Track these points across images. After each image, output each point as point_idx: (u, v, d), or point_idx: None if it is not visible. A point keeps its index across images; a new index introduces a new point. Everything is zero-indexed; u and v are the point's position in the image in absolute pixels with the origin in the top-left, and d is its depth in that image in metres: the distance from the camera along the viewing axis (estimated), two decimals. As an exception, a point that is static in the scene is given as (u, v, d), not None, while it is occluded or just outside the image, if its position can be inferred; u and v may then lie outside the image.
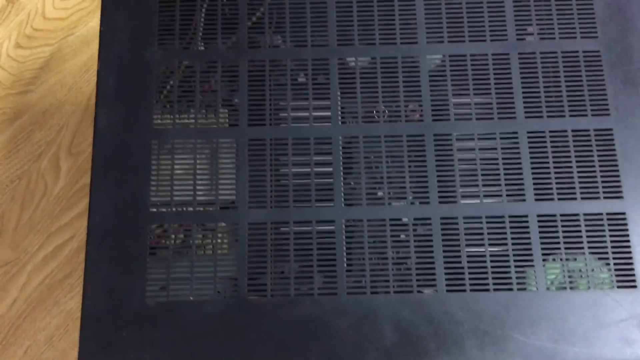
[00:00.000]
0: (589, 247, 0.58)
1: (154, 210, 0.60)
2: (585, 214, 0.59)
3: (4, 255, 0.94)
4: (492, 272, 0.58)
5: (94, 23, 1.05)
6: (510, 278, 0.58)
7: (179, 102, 0.63)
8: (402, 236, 0.60)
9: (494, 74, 0.63)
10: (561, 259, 0.58)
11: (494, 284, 0.58)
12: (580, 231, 0.59)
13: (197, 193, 0.61)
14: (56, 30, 1.05)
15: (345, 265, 0.59)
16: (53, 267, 0.94)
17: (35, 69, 1.03)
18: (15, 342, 0.90)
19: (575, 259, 0.59)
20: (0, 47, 1.03)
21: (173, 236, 0.60)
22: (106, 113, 0.62)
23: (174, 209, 0.60)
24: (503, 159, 0.61)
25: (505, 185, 0.61)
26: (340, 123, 0.63)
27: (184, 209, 0.60)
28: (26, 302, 0.92)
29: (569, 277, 0.58)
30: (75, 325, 0.92)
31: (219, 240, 0.60)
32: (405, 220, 0.60)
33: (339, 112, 0.63)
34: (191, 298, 0.58)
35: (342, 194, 0.61)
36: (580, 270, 0.58)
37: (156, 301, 0.58)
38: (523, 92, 0.63)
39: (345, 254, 0.59)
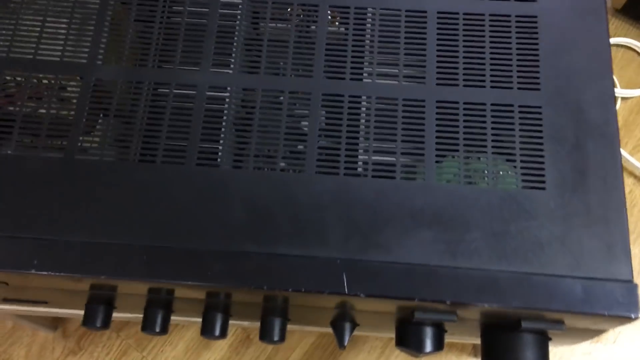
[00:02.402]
0: (493, 142, 0.49)
1: (-11, 54, 0.51)
2: (493, 104, 0.50)
3: None
4: (374, 157, 0.48)
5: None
6: (393, 165, 0.48)
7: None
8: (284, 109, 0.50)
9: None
10: (466, 157, 0.48)
11: (374, 170, 0.48)
12: (485, 122, 0.49)
13: (42, 43, 0.52)
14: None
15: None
16: None
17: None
18: None
19: (479, 158, 0.49)
20: None
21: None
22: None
23: (12, 56, 0.51)
24: (406, 36, 0.52)
25: (404, 64, 0.51)
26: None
27: (24, 57, 0.51)
28: None
29: (467, 174, 0.48)
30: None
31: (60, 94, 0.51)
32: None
33: None
34: (9, 152, 0.48)
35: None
36: (482, 170, 0.48)
37: (-33, 152, 0.48)
38: (439, -27, 0.54)
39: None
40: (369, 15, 0.53)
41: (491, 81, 0.50)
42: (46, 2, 0.53)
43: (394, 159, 0.48)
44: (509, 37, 0.52)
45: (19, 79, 0.51)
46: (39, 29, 0.52)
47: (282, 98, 0.50)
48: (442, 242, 0.45)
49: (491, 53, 0.51)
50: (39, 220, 0.46)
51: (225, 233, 0.46)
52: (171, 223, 0.46)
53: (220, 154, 0.48)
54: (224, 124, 0.50)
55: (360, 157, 0.48)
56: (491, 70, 0.51)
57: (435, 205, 0.46)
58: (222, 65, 0.52)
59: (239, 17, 0.53)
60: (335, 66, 0.51)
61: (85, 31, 0.52)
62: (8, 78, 0.51)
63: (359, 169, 0.48)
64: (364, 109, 0.50)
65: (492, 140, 0.49)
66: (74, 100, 0.50)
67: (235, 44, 0.52)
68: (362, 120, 0.50)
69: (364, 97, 0.50)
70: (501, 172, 0.48)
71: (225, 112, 0.50)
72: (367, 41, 0.52)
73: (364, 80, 0.51)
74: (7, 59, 0.51)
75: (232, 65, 0.51)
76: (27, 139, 0.49)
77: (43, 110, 0.50)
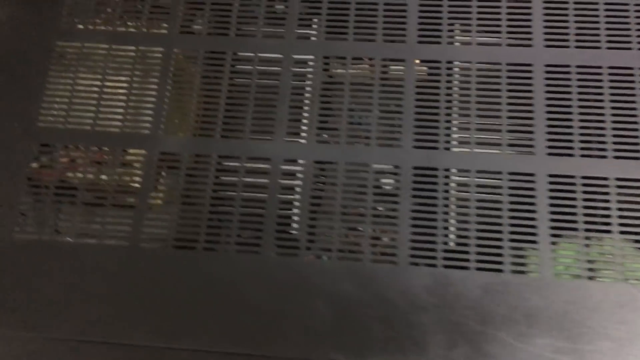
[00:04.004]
0: (620, 226, 0.41)
1: (43, 126, 0.47)
2: (618, 179, 0.42)
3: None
4: (477, 246, 0.41)
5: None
6: (501, 255, 0.41)
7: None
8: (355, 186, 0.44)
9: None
10: (586, 245, 0.41)
11: (477, 261, 0.41)
12: (609, 201, 0.42)
13: (100, 110, 0.47)
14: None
15: (308, 213, 0.43)
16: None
17: None
18: None
19: (600, 241, 0.41)
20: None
21: (63, 159, 0.46)
22: (2, 6, 0.50)
23: (68, 128, 0.47)
24: (509, 95, 0.45)
25: (508, 130, 0.44)
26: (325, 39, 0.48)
27: (80, 128, 0.47)
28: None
29: (589, 264, 0.41)
30: None
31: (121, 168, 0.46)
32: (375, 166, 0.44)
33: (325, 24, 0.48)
34: (69, 239, 0.44)
35: (316, 127, 0.46)
36: (606, 256, 0.41)
37: (26, 239, 0.44)
38: (545, 17, 0.47)
39: (309, 204, 0.44)
40: (464, 71, 0.46)
41: (614, 150, 0.43)
42: (104, 55, 0.48)
43: (501, 247, 0.41)
44: (634, 95, 0.44)
45: (75, 152, 0.46)
46: (96, 94, 0.47)
47: (366, 172, 0.44)
48: (563, 352, 0.38)
49: (613, 115, 0.44)
50: (106, 323, 0.41)
51: (307, 338, 0.40)
52: (245, 324, 0.40)
53: (299, 240, 0.43)
54: (299, 204, 0.44)
55: (460, 245, 0.42)
56: (614, 136, 0.43)
57: (552, 305, 0.40)
58: (295, 133, 0.46)
59: (312, 76, 0.47)
60: (427, 133, 0.45)
61: (147, 96, 0.47)
62: (65, 149, 0.46)
63: (460, 260, 0.41)
64: (463, 185, 0.43)
65: (619, 224, 0.41)
66: (138, 180, 0.45)
67: (310, 108, 0.46)
68: (461, 200, 0.43)
69: (457, 171, 0.44)
70: (632, 262, 0.41)
71: (301, 188, 0.44)
72: (464, 103, 0.45)
73: (460, 149, 0.44)
74: (64, 130, 0.47)
75: (306, 134, 0.45)
76: (89, 225, 0.44)
77: (104, 195, 0.45)
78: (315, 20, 0.48)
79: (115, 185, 0.45)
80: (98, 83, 0.47)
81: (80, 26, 0.49)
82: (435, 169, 0.44)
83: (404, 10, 0.48)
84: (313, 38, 0.48)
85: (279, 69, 0.47)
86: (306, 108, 0.46)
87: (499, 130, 0.44)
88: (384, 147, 0.45)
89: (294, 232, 0.43)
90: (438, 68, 0.46)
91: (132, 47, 0.48)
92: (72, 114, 0.47)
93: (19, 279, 0.43)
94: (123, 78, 0.48)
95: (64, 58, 0.48)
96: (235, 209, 0.44)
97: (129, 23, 0.49)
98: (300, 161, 0.45)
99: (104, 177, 0.45)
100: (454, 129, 0.45)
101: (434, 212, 0.43)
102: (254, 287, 0.41)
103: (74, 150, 0.46)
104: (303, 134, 0.46)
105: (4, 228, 0.44)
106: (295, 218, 0.43)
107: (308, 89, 0.47)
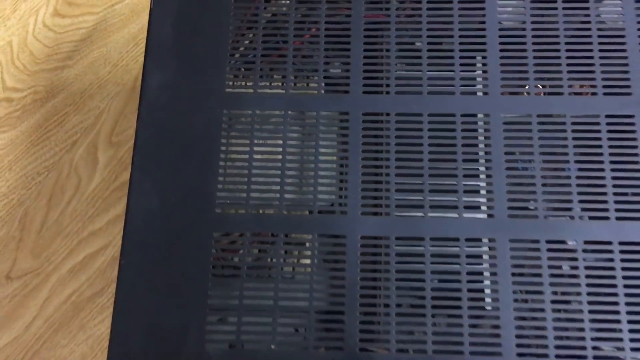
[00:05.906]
0: None
1: (221, 211, 0.40)
2: None
3: (24, 263, 0.76)
4: None
5: (147, -11, 0.88)
6: None
7: (262, 60, 0.44)
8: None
9: None
10: None
11: None
12: None
13: (286, 189, 0.41)
14: (102, -4, 0.88)
15: (512, 312, 0.37)
16: (82, 281, 0.75)
17: (75, 41, 0.86)
18: (29, 374, 0.72)
19: None
20: (36, 14, 0.87)
21: (249, 251, 0.40)
22: (159, 69, 0.43)
23: (250, 211, 0.40)
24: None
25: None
26: (500, 93, 0.42)
27: (265, 212, 0.41)
28: (47, 323, 0.74)
29: None
30: (105, 356, 0.73)
31: (316, 261, 0.40)
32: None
33: (500, 79, 0.42)
34: (273, 347, 0.38)
35: (507, 199, 0.40)
36: None
37: (220, 349, 0.38)
38: None
39: (511, 292, 0.38)
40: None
41: None
42: (279, 123, 0.42)
43: None
44: None
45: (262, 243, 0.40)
46: (278, 170, 0.41)
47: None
48: None
49: None
50: None
51: None
52: None
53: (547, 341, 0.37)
54: (546, 297, 0.38)
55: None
56: None
57: None
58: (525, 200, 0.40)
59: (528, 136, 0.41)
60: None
61: (334, 170, 0.41)
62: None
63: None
64: None
65: None
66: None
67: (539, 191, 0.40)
68: None
69: None
70: None
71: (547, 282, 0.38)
72: None
73: None
74: (247, 215, 0.40)
75: (539, 213, 0.40)
76: (287, 329, 0.38)
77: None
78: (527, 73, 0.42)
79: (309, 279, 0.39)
80: (279, 157, 0.41)
81: (249, 90, 0.43)
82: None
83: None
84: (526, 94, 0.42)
85: (486, 127, 0.41)
86: (535, 177, 0.40)
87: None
88: (556, 217, 0.39)
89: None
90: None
91: (312, 112, 0.42)
92: (254, 195, 0.41)
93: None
94: (306, 149, 0.41)
95: (232, 128, 0.42)
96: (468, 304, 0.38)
97: (305, 85, 0.43)
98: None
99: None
100: None
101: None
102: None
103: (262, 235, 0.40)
104: (532, 210, 0.40)
105: (192, 336, 0.38)
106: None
107: (525, 152, 0.41)
